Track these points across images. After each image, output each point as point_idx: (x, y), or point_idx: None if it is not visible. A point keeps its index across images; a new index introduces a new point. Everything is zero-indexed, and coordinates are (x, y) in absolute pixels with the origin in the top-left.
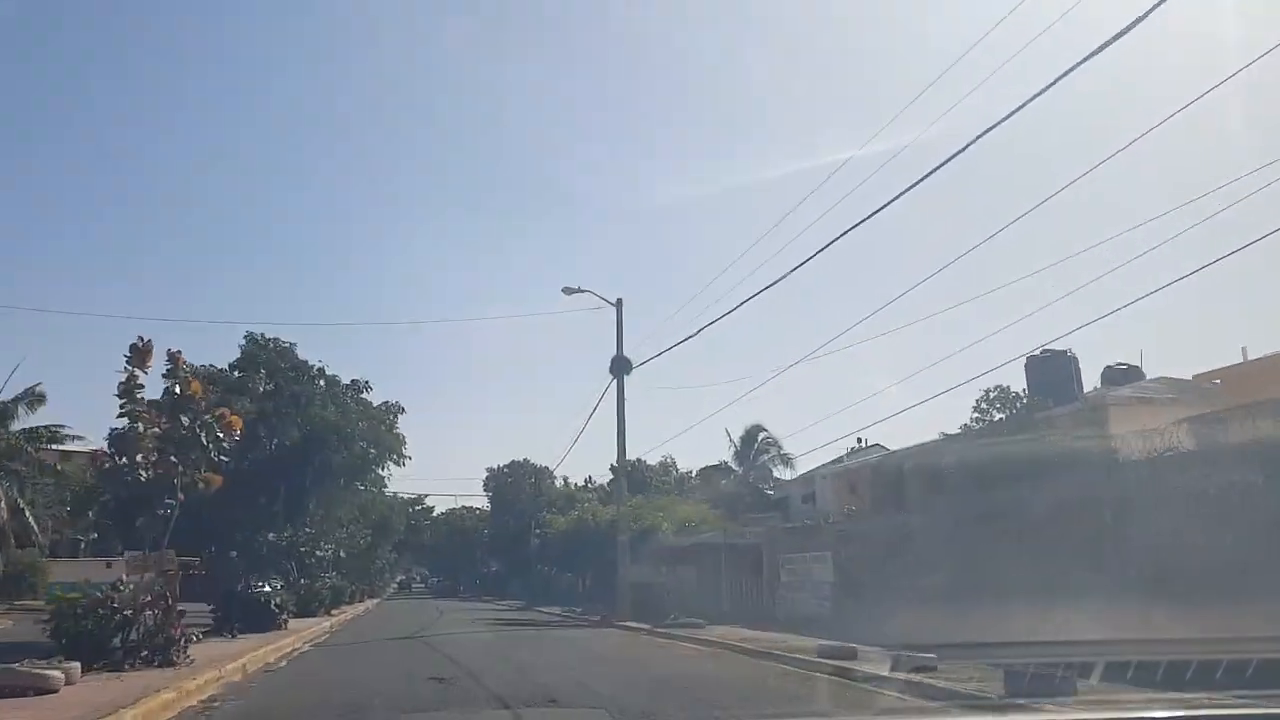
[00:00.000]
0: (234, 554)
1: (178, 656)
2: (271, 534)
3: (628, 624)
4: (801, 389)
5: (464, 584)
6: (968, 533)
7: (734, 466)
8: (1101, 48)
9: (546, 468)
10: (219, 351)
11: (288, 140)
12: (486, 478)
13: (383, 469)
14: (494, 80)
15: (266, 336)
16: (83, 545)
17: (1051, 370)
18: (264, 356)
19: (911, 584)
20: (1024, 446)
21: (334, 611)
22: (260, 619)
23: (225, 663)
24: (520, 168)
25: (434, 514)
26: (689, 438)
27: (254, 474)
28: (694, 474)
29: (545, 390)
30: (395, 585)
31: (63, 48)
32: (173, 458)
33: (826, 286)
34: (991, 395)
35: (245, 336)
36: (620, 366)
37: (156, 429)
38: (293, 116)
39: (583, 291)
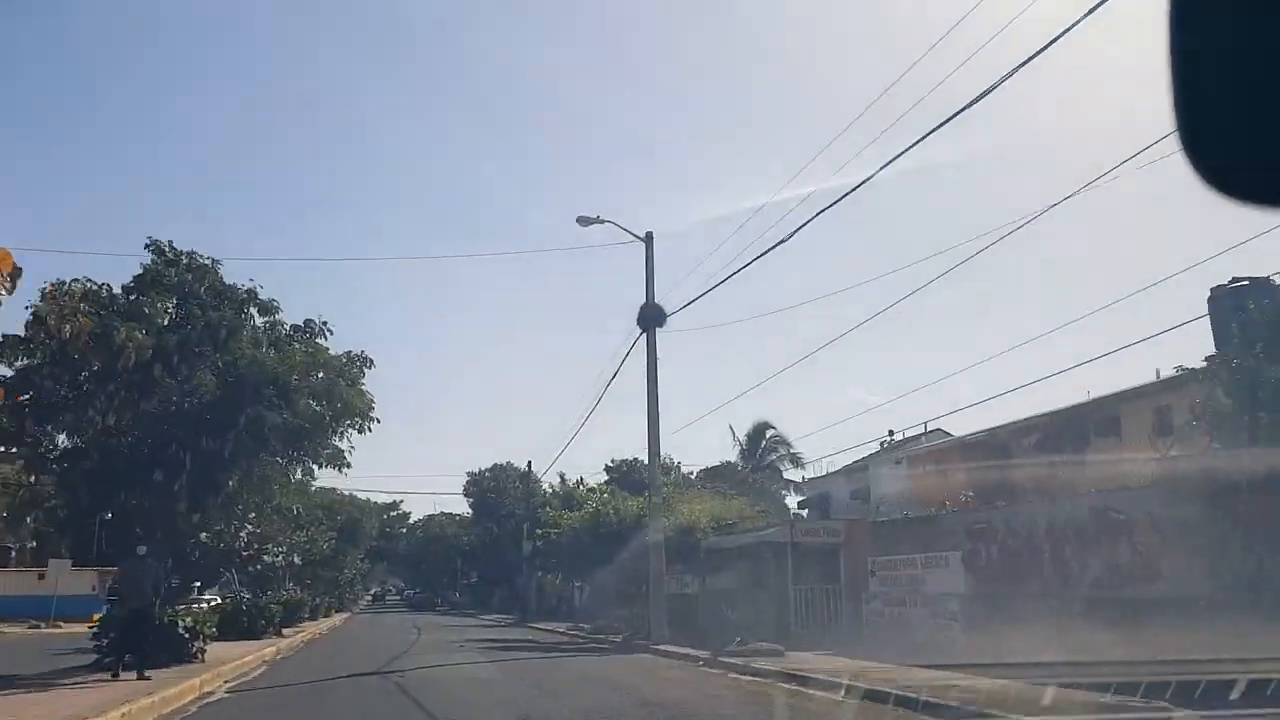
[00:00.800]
0: (143, 550)
1: None
2: (205, 533)
3: (667, 648)
4: (811, 389)
5: (442, 596)
6: (1231, 518)
7: (739, 466)
8: None
9: (530, 470)
10: None
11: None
12: (467, 482)
13: (341, 438)
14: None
15: (178, 248)
16: (13, 554)
17: (1249, 304)
18: (172, 276)
19: (1114, 594)
20: None
21: (286, 631)
22: (169, 648)
23: None
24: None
25: (410, 520)
26: (685, 437)
27: (146, 434)
28: (693, 474)
29: (544, 369)
30: (370, 597)
31: None
32: None
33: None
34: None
35: (148, 246)
36: (651, 317)
37: None
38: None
39: (602, 222)
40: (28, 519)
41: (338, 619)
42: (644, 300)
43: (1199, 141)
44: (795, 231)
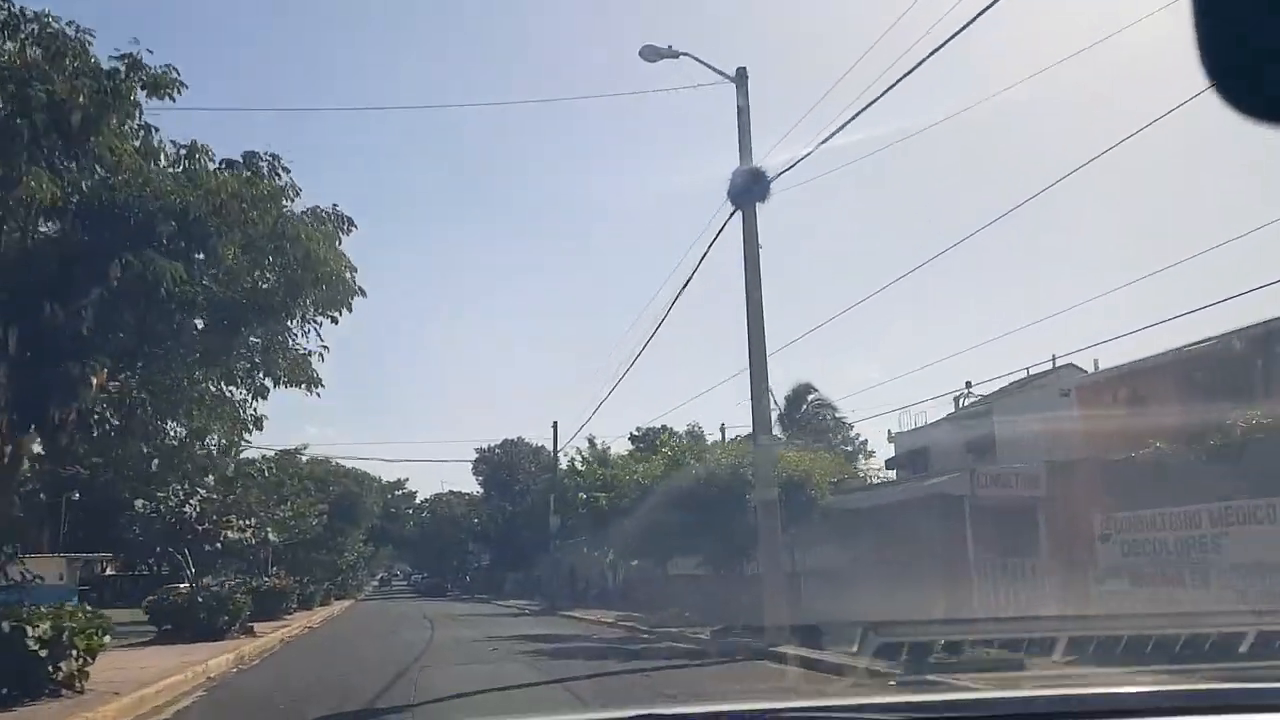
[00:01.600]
0: None
1: None
2: (140, 500)
3: (798, 652)
4: (844, 352)
5: (452, 581)
6: None
7: (777, 434)
8: None
9: (555, 434)
10: None
11: None
12: (477, 459)
13: (304, 328)
14: None
15: (17, 5)
16: None
17: None
18: (8, 50)
19: None
20: None
21: (264, 626)
22: (14, 675)
23: None
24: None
25: (416, 500)
26: (704, 403)
27: None
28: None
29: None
30: (376, 582)
31: None
32: None
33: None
34: None
35: None
36: (748, 188)
37: None
38: None
39: (677, 56)
40: None
41: (337, 608)
42: (737, 167)
43: (1221, 62)
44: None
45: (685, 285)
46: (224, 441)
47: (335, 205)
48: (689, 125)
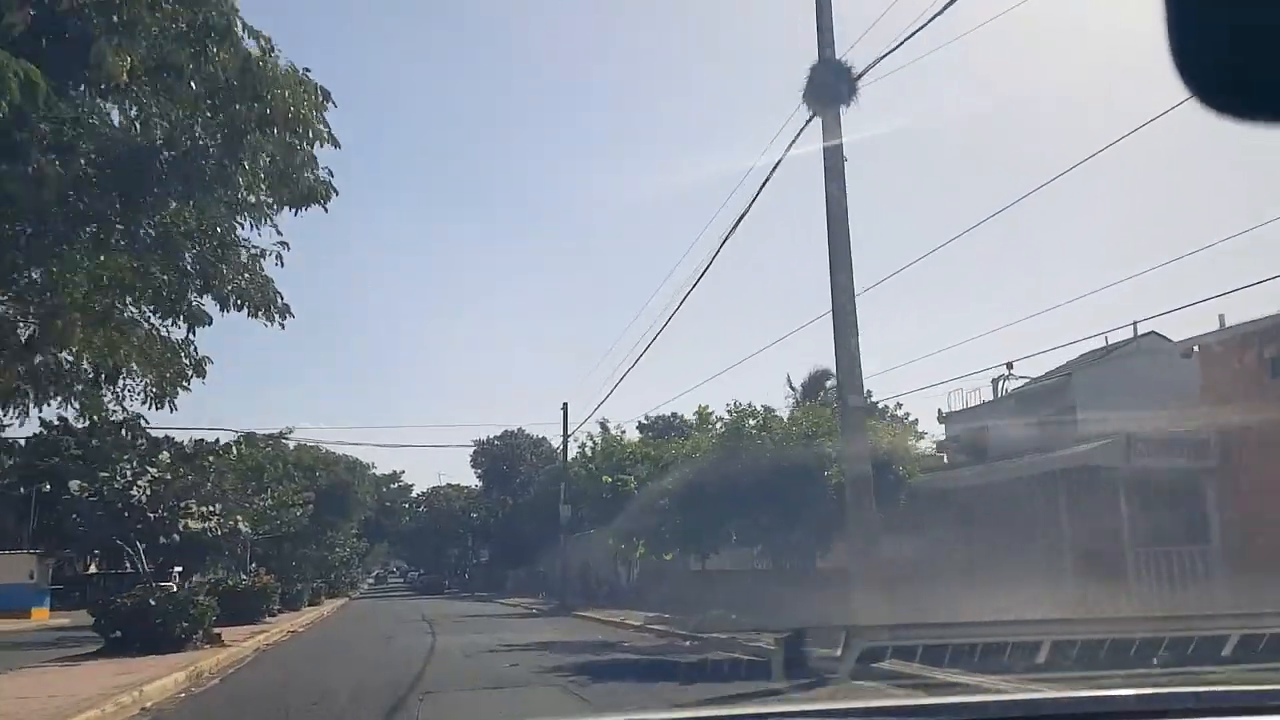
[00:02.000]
0: None
1: None
2: (75, 481)
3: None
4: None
5: (450, 578)
6: None
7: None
8: None
9: (544, 439)
10: None
11: None
12: (475, 451)
13: (258, 214)
14: None
15: None
16: None
17: None
18: None
19: None
20: None
21: (237, 633)
22: None
23: None
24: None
25: (412, 494)
26: (703, 395)
27: None
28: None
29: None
30: (371, 579)
31: None
32: None
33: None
34: None
35: None
36: (831, 85)
37: None
38: None
39: None
40: None
41: (328, 608)
42: (816, 62)
43: (1189, 59)
44: None
45: (752, 202)
46: (151, 389)
47: (306, 70)
48: (693, 118)
